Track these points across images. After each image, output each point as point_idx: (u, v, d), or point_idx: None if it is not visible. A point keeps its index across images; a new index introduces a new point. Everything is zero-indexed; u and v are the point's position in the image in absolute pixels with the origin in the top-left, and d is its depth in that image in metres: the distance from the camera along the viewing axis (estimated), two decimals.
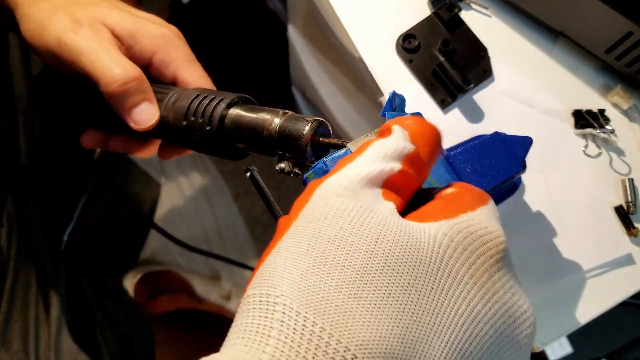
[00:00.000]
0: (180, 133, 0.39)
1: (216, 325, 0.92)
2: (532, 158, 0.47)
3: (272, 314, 0.21)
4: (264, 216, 1.29)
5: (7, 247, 0.57)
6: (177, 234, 1.24)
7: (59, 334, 0.61)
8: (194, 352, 0.76)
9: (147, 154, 0.46)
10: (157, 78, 0.42)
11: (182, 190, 1.28)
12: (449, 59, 0.49)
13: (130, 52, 0.39)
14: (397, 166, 0.25)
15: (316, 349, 0.20)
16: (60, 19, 0.37)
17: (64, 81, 0.48)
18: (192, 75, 0.41)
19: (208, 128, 0.37)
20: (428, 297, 0.22)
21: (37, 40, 0.37)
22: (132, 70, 0.37)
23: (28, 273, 0.61)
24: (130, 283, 1.00)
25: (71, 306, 0.64)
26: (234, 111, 0.37)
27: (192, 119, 0.37)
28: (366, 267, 0.22)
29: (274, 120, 0.35)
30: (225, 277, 1.22)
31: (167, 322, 0.92)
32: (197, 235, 1.25)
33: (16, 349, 0.57)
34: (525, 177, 0.48)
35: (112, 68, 0.36)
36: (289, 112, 0.36)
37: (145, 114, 0.38)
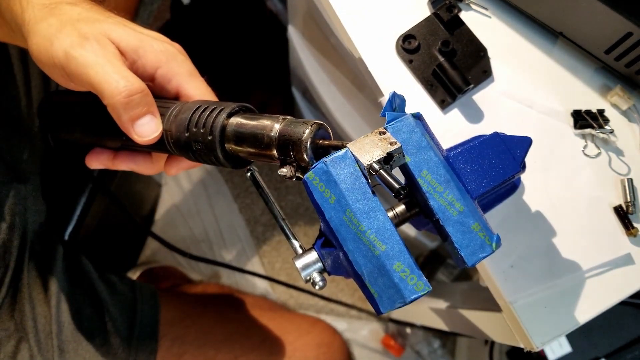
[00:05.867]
0: (183, 145, 0.39)
1: (215, 297, 0.93)
2: (531, 158, 0.48)
3: None
4: (264, 216, 1.29)
5: (9, 240, 0.58)
6: (177, 234, 1.24)
7: (59, 307, 0.62)
8: (195, 310, 0.77)
9: (154, 170, 0.47)
10: (160, 93, 0.42)
11: (182, 190, 1.28)
12: (448, 60, 0.49)
13: (134, 67, 0.40)
14: None
15: None
16: (68, 34, 0.37)
17: (67, 100, 0.49)
18: (195, 89, 0.41)
19: (210, 138, 0.37)
20: None
21: (45, 55, 0.38)
22: (136, 83, 0.37)
23: (29, 265, 0.61)
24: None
25: (70, 280, 0.65)
26: (235, 120, 0.37)
27: (194, 130, 0.38)
28: None
29: (274, 126, 0.35)
30: (225, 275, 1.22)
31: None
32: (198, 235, 1.25)
33: (13, 330, 0.59)
34: (524, 177, 0.48)
35: (117, 80, 0.36)
36: (288, 117, 0.36)
37: (149, 127, 0.38)
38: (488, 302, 0.58)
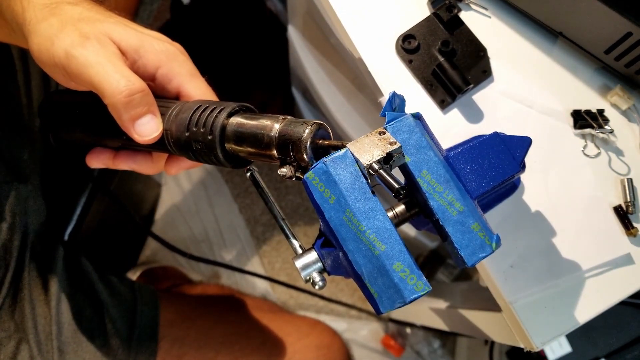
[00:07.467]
0: (183, 145, 0.39)
1: (215, 299, 0.94)
2: (531, 158, 0.48)
3: None
4: (264, 216, 1.29)
5: (9, 240, 0.58)
6: (177, 234, 1.24)
7: (59, 308, 0.62)
8: (195, 311, 0.77)
9: (154, 170, 0.47)
10: (161, 93, 0.42)
11: (182, 190, 1.28)
12: (448, 60, 0.49)
13: (135, 67, 0.40)
14: None
15: None
16: (69, 33, 0.37)
17: (68, 100, 0.49)
18: (195, 89, 0.42)
19: (210, 137, 0.37)
20: None
21: (46, 54, 0.38)
22: (137, 83, 0.37)
23: (30, 265, 0.61)
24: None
25: (70, 281, 0.65)
26: (235, 120, 0.37)
27: (194, 129, 0.38)
28: None
29: (274, 125, 0.35)
30: (225, 275, 1.22)
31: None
32: (198, 235, 1.25)
33: (13, 330, 0.59)
34: (524, 177, 0.48)
35: (117, 80, 0.36)
36: (288, 117, 0.36)
37: (149, 126, 0.38)
38: (488, 302, 0.58)
